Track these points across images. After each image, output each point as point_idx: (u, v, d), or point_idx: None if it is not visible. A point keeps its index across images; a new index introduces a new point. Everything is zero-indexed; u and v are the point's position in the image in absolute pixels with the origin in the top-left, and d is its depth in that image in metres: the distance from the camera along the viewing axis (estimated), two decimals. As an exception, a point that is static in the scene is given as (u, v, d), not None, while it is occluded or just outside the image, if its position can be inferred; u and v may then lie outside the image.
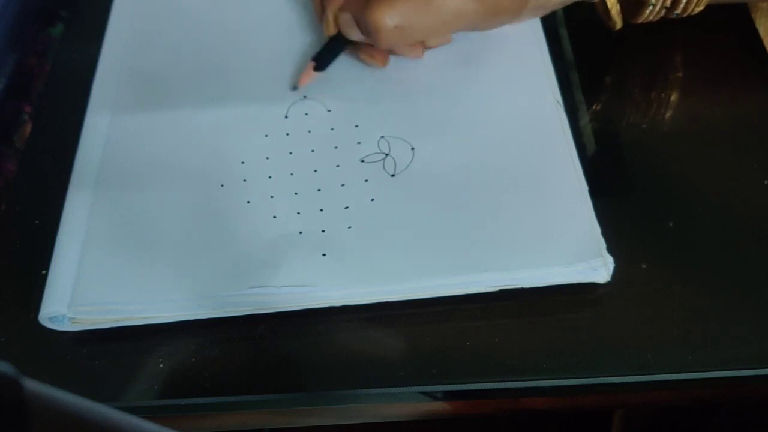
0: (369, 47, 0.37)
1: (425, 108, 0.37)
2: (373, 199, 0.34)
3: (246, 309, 0.32)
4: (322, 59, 0.38)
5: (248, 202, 0.35)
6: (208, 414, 0.33)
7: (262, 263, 0.33)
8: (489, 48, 0.38)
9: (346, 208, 0.34)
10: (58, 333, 0.32)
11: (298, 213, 0.34)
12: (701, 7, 0.36)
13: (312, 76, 0.38)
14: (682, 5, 0.36)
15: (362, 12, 0.32)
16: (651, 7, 0.36)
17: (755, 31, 0.41)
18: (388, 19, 0.32)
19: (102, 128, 0.38)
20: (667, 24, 0.39)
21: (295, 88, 0.38)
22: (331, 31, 0.36)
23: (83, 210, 0.35)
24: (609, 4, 0.36)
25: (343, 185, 0.35)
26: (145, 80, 0.40)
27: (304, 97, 0.38)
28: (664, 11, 0.36)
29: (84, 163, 0.36)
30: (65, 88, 0.42)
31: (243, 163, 0.36)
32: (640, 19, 0.37)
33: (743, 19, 0.42)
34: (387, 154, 0.36)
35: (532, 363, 0.31)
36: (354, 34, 0.35)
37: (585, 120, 0.39)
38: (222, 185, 0.35)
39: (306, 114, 0.38)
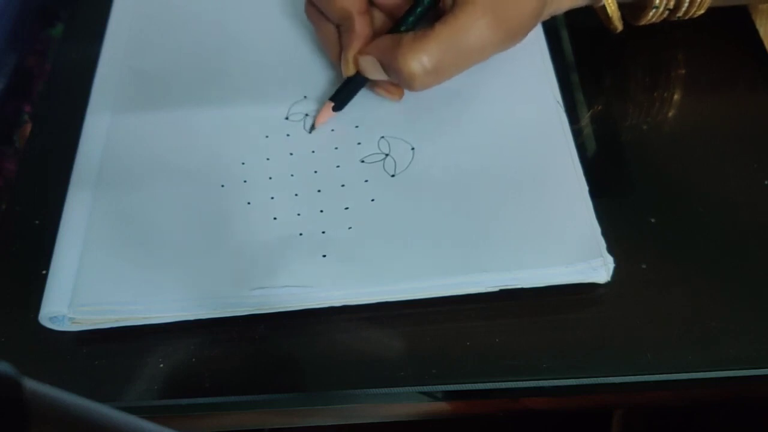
0: (387, 83, 0.37)
1: (425, 108, 0.37)
2: (373, 200, 0.34)
3: (246, 309, 0.32)
4: (340, 99, 0.37)
5: (249, 203, 0.35)
6: (208, 414, 0.33)
7: (262, 264, 0.33)
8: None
9: (347, 208, 0.34)
10: (58, 333, 0.32)
11: (299, 214, 0.34)
12: (703, 10, 0.36)
13: (330, 116, 0.37)
14: (684, 8, 0.36)
15: (393, 60, 0.33)
16: (654, 10, 0.36)
17: (756, 33, 0.41)
18: (420, 66, 0.32)
19: (102, 128, 0.38)
20: (668, 25, 0.39)
21: (312, 128, 0.37)
22: (350, 72, 0.36)
23: (83, 210, 0.35)
24: (610, 12, 0.36)
25: (343, 186, 0.35)
26: (145, 80, 0.40)
27: (305, 97, 0.38)
28: (666, 13, 0.37)
29: (84, 163, 0.36)
30: (65, 88, 0.42)
31: (243, 163, 0.36)
32: (643, 21, 0.37)
33: (744, 20, 0.42)
34: (387, 155, 0.36)
35: (532, 363, 0.31)
36: (376, 75, 0.35)
37: (585, 120, 0.39)
38: (222, 186, 0.35)
39: (306, 115, 0.38)
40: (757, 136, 0.38)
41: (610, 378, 0.31)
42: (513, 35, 0.34)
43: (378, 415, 0.34)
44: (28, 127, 0.41)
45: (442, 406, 0.33)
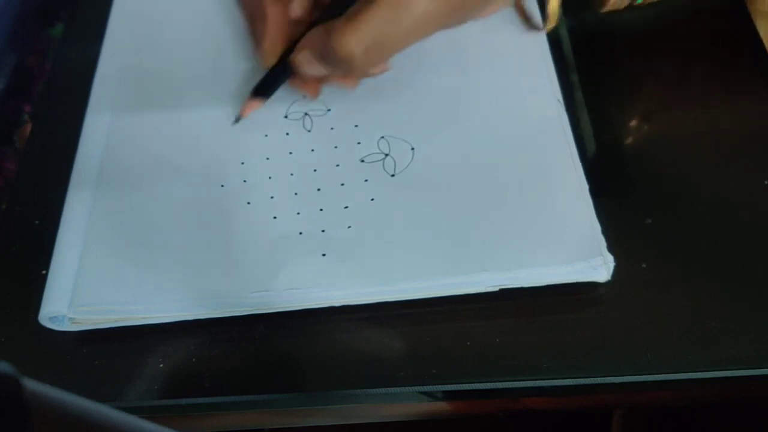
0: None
1: (425, 108, 0.37)
2: (372, 199, 0.34)
3: (246, 309, 0.32)
4: (265, 89, 0.36)
5: (248, 203, 0.35)
6: (208, 414, 0.33)
7: (262, 264, 0.33)
8: (489, 47, 0.38)
9: (346, 207, 0.34)
10: (58, 333, 0.32)
11: (298, 213, 0.34)
12: None
13: (255, 106, 0.36)
14: None
15: (327, 46, 0.31)
16: None
17: (756, 33, 0.41)
18: (357, 44, 0.30)
19: (102, 128, 0.38)
20: (667, 24, 0.39)
21: (237, 119, 0.36)
22: (268, 63, 0.35)
23: (83, 210, 0.35)
24: (551, 6, 0.35)
25: (342, 185, 0.35)
26: (144, 80, 0.40)
27: (304, 96, 0.38)
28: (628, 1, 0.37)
29: (84, 163, 0.36)
30: (65, 88, 0.42)
31: (243, 163, 0.36)
32: (607, 7, 0.37)
33: (743, 19, 0.42)
34: (387, 154, 0.36)
35: (532, 363, 0.31)
36: (315, 71, 0.34)
37: (585, 119, 0.39)
38: (222, 186, 0.35)
39: (306, 114, 0.38)
40: (757, 135, 0.38)
41: (610, 378, 0.31)
42: (456, 7, 0.31)
43: (378, 415, 0.34)
44: (28, 127, 0.41)
45: (442, 406, 0.33)
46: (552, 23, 0.37)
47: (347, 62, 0.31)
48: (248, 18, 0.36)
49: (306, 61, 0.33)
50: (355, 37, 0.30)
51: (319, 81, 0.36)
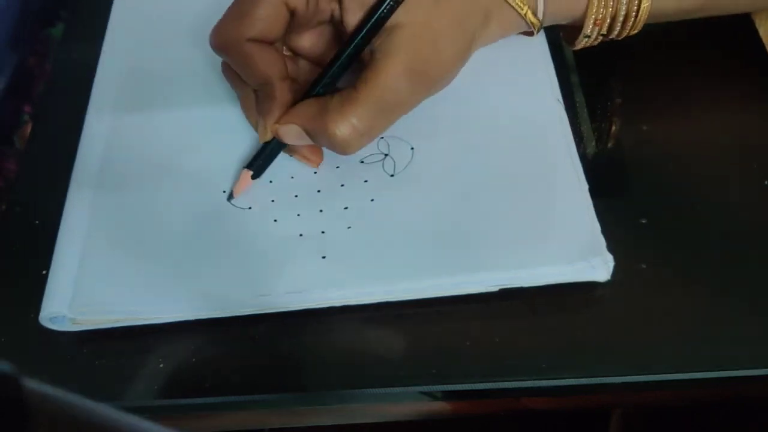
0: (305, 149, 0.35)
1: (425, 108, 0.37)
2: (372, 200, 0.34)
3: (246, 310, 0.32)
4: (258, 166, 0.35)
5: (249, 207, 0.35)
6: (208, 414, 0.33)
7: (262, 267, 0.33)
8: (489, 47, 0.38)
9: (346, 208, 0.34)
10: (58, 333, 0.32)
11: (298, 215, 0.34)
12: (637, 30, 0.36)
13: (249, 184, 0.35)
14: (616, 31, 0.36)
15: (322, 127, 0.31)
16: (587, 39, 0.37)
17: (755, 33, 0.41)
18: (352, 129, 0.31)
19: (102, 128, 0.38)
20: (667, 25, 0.39)
21: (231, 197, 0.35)
22: (268, 138, 0.34)
23: (84, 210, 0.35)
24: (522, 11, 0.36)
25: (342, 186, 0.35)
26: (145, 80, 0.40)
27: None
28: (601, 38, 0.37)
29: (84, 164, 0.36)
30: (66, 89, 0.42)
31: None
32: (579, 46, 0.38)
33: (743, 20, 0.42)
34: (386, 155, 0.36)
35: (532, 363, 0.31)
36: (298, 142, 0.34)
37: (585, 120, 0.39)
38: (224, 192, 0.35)
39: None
40: (756, 136, 0.38)
41: (610, 378, 0.31)
42: (437, 81, 0.33)
43: (378, 415, 0.34)
44: (29, 128, 0.41)
45: (442, 406, 0.33)
46: (536, 24, 0.37)
47: (342, 145, 0.32)
48: (244, 92, 0.35)
49: (292, 135, 0.33)
50: (350, 123, 0.31)
51: (320, 152, 0.36)
